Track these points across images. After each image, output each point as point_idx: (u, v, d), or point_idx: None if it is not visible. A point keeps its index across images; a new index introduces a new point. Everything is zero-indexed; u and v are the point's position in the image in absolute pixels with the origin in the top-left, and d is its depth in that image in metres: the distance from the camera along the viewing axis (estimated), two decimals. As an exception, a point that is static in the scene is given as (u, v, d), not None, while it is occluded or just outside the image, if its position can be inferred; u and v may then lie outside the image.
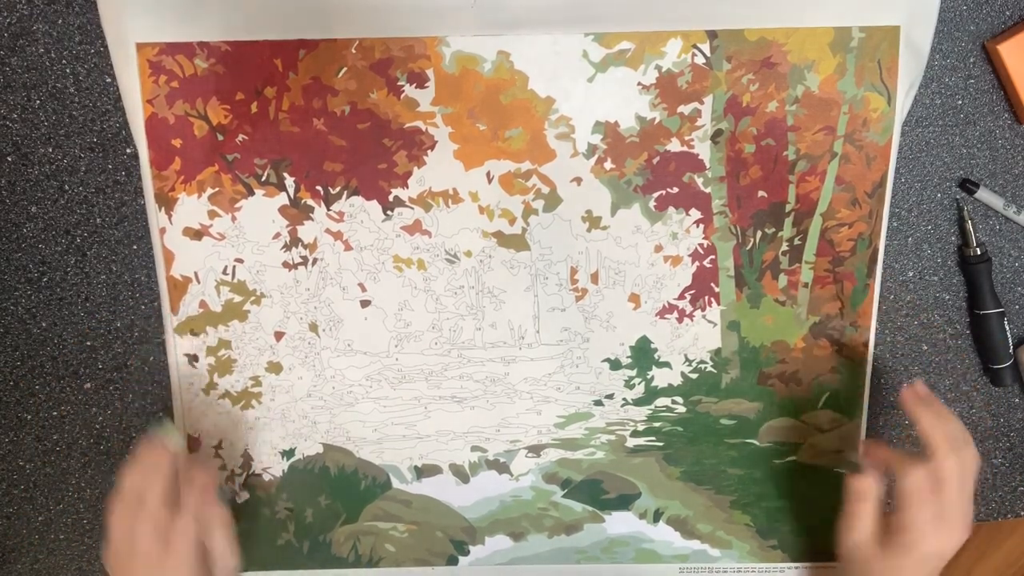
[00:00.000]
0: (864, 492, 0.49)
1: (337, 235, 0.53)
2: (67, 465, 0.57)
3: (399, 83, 0.50)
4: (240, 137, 0.51)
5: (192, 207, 0.52)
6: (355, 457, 0.56)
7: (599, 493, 0.57)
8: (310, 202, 0.52)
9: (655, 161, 0.52)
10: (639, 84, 0.50)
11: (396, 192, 0.52)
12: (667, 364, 0.55)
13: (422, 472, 0.57)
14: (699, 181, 0.52)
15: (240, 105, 0.50)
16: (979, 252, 0.54)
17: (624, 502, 0.57)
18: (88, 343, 0.55)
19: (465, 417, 0.56)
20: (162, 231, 0.52)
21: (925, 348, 0.57)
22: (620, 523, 0.58)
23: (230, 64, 0.49)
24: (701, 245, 0.53)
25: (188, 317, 0.54)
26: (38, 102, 0.52)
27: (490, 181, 0.52)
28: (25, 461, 0.57)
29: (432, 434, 0.56)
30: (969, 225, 0.54)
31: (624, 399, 0.56)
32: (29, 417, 0.56)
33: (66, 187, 0.53)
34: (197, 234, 0.52)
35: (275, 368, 0.55)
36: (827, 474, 0.56)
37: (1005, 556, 0.63)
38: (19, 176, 0.53)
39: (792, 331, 0.54)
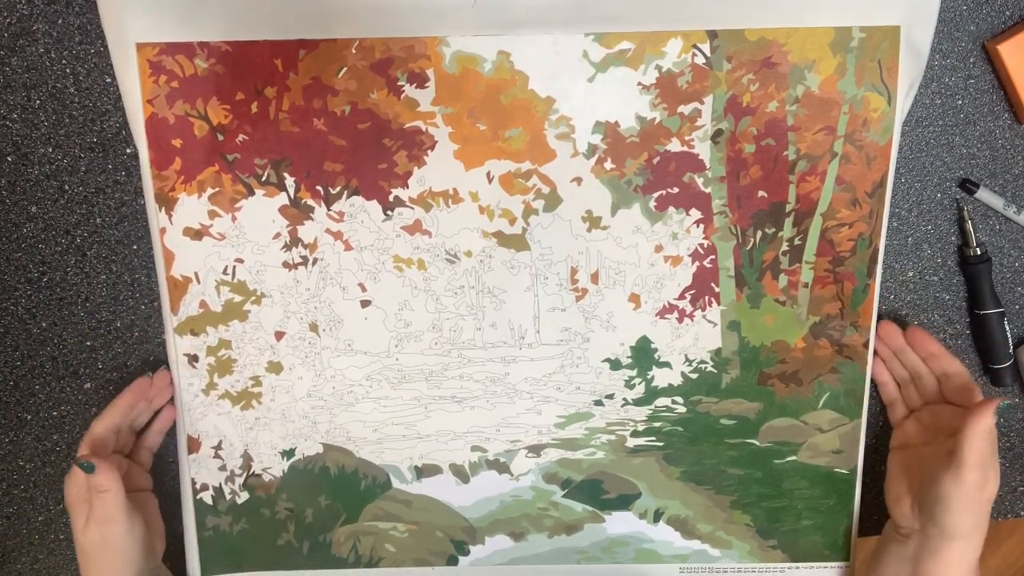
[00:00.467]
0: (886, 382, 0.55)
1: (337, 235, 0.53)
2: (67, 465, 0.57)
3: (399, 83, 0.50)
4: (240, 137, 0.51)
5: (192, 207, 0.52)
6: (355, 457, 0.56)
7: (599, 493, 0.57)
8: (310, 202, 0.52)
9: (655, 161, 0.51)
10: (639, 84, 0.50)
11: (396, 192, 0.52)
12: (667, 364, 0.55)
13: (422, 472, 0.57)
14: (699, 181, 0.52)
15: (240, 105, 0.50)
16: (979, 252, 0.54)
17: (624, 502, 0.57)
18: (88, 343, 0.55)
19: (465, 417, 0.56)
20: (162, 231, 0.52)
21: (925, 348, 0.57)
22: (620, 523, 0.58)
23: (230, 64, 0.49)
24: (701, 245, 0.53)
25: (188, 317, 0.54)
26: (38, 102, 0.52)
27: (490, 181, 0.52)
28: (25, 461, 0.57)
29: (432, 434, 0.56)
30: (969, 225, 0.54)
31: (624, 399, 0.56)
32: (29, 417, 0.56)
33: (66, 187, 0.53)
34: (197, 234, 0.52)
35: (275, 368, 0.55)
36: (827, 474, 0.56)
37: (1005, 556, 0.63)
38: (19, 176, 0.53)
39: (792, 331, 0.54)
